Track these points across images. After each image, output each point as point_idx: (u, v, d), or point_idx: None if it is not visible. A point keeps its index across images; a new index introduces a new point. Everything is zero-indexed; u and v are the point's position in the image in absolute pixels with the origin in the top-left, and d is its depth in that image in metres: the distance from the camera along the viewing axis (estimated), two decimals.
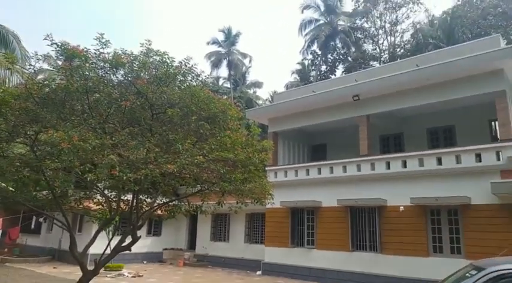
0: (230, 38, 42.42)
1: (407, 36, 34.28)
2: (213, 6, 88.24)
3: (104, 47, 6.32)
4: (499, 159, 11.65)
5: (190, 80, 6.75)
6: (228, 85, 45.13)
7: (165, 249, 21.74)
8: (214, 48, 43.04)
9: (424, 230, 12.68)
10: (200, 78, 6.83)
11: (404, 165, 13.51)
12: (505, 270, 3.30)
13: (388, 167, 13.89)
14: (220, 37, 42.92)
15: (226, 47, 42.19)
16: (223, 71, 44.70)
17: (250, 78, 49.64)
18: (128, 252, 8.18)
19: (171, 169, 5.44)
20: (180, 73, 6.46)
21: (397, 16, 33.86)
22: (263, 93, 59.41)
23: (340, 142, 17.62)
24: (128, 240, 7.64)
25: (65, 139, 5.33)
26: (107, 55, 6.45)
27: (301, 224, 16.11)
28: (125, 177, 5.21)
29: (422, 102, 13.65)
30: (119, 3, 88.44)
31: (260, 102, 46.78)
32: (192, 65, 6.55)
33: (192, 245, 22.11)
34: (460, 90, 12.77)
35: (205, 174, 6.44)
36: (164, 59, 6.40)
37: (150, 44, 6.52)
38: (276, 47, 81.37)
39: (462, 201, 11.85)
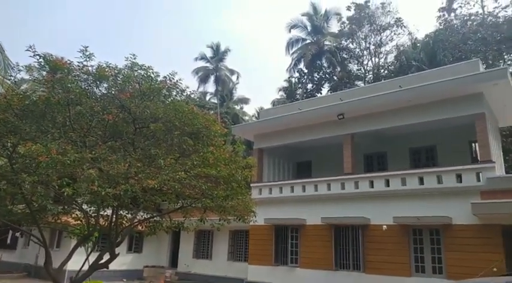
0: (218, 55, 42.76)
1: (391, 57, 35.17)
2: (203, 22, 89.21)
3: (88, 59, 6.27)
4: (479, 180, 11.86)
5: (175, 95, 6.72)
6: (215, 100, 45.23)
7: (146, 266, 21.18)
8: (202, 63, 43.30)
9: (406, 249, 12.71)
10: (185, 94, 6.80)
11: (388, 184, 13.62)
12: None
13: (372, 186, 13.98)
14: (209, 53, 43.25)
15: (214, 63, 42.48)
16: (210, 87, 44.87)
17: (238, 94, 49.90)
18: (106, 269, 7.93)
19: (152, 185, 5.35)
20: (165, 88, 6.43)
21: (381, 38, 34.80)
22: (250, 109, 59.59)
23: (325, 160, 17.71)
24: (107, 257, 7.42)
25: (43, 152, 5.20)
26: (90, 68, 6.40)
27: (285, 242, 15.96)
28: (103, 192, 5.09)
29: (405, 122, 13.90)
30: (107, 16, 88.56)
31: (247, 118, 46.96)
32: (177, 80, 6.56)
33: (174, 262, 21.62)
34: (441, 112, 13.06)
35: (187, 190, 6.34)
36: (149, 74, 6.37)
37: (135, 58, 6.51)
38: (264, 64, 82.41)
39: (443, 221, 11.97)
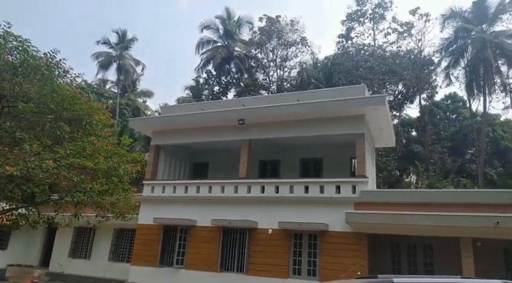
0: (124, 42, 40.31)
1: (294, 72, 37.42)
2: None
3: None
4: (354, 192, 13.23)
5: (58, 76, 6.00)
6: (116, 90, 42.45)
7: (10, 265, 18.61)
8: (104, 48, 40.30)
9: (287, 253, 13.49)
10: (70, 76, 6.12)
11: (277, 190, 14.34)
12: None
13: (263, 191, 14.55)
14: (113, 39, 40.48)
15: (118, 50, 39.88)
16: (111, 74, 41.99)
17: (142, 86, 47.68)
18: None
19: (11, 172, 4.63)
20: (44, 66, 5.68)
21: (287, 53, 36.81)
22: (154, 105, 57.50)
23: (222, 162, 17.87)
24: None
25: None
26: None
27: (173, 243, 15.61)
28: None
29: (298, 134, 14.84)
30: None
31: (149, 112, 45.16)
32: (60, 59, 5.84)
33: (46, 262, 19.49)
34: (330, 128, 14.28)
35: (62, 182, 5.71)
36: (25, 47, 5.54)
37: (9, 27, 5.58)
38: (173, 60, 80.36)
39: (321, 227, 13.03)
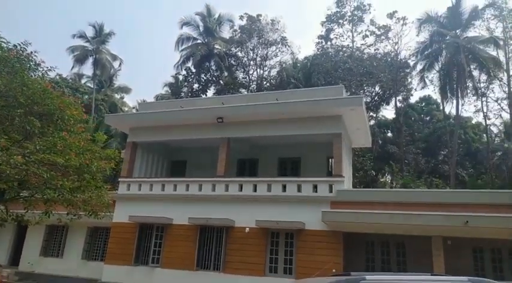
0: (101, 36, 39.35)
1: (274, 72, 37.55)
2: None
3: None
4: (331, 191, 13.42)
5: (29, 69, 5.78)
6: (92, 85, 41.42)
7: None
8: (80, 42, 39.21)
9: (263, 251, 13.54)
10: (41, 69, 5.90)
11: (255, 189, 14.37)
12: None
13: (241, 189, 14.55)
14: (90, 33, 39.44)
15: (95, 44, 38.87)
16: (87, 69, 40.92)
17: (119, 82, 46.70)
18: None
19: None
20: (14, 58, 5.44)
21: (267, 52, 36.91)
22: (131, 101, 56.42)
23: (200, 160, 17.78)
24: None
25: None
26: None
27: (149, 241, 15.39)
28: None
29: (276, 133, 14.92)
30: None
31: (126, 109, 44.33)
32: (31, 52, 5.63)
33: (15, 261, 18.86)
34: (307, 128, 14.44)
35: (33, 178, 5.51)
36: None
37: None
38: (152, 57, 79.19)
39: (297, 226, 13.15)
